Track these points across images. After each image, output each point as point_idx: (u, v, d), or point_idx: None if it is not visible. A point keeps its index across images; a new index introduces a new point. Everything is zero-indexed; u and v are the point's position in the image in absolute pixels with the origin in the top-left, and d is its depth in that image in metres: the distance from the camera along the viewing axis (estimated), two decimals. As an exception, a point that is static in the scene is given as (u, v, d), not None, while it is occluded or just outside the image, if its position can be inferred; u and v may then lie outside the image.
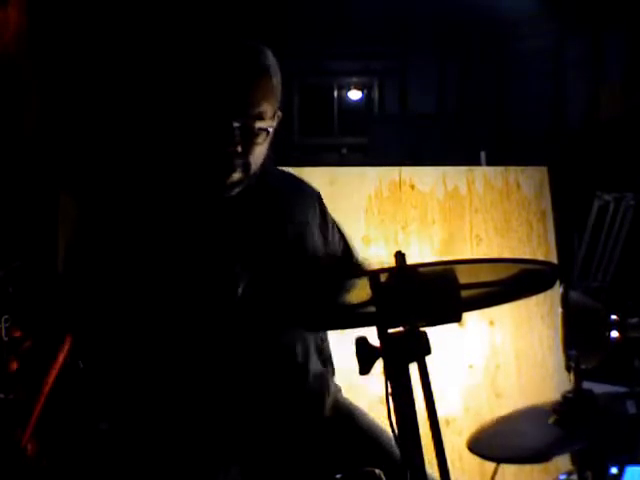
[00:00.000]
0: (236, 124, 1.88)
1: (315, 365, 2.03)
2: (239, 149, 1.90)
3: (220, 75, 1.90)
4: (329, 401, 2.05)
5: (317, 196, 2.18)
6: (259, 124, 1.91)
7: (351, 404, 2.11)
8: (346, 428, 2.04)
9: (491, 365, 3.09)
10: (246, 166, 1.93)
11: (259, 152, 1.95)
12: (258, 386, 1.94)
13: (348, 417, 2.07)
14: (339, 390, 2.13)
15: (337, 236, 2.20)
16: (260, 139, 1.93)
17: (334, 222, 2.20)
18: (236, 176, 1.93)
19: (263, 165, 2.01)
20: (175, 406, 1.92)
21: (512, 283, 1.61)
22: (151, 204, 1.97)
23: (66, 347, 2.38)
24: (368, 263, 2.12)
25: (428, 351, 1.54)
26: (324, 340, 2.12)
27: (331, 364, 2.13)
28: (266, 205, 2.04)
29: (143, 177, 2.03)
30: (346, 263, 2.19)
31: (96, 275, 1.94)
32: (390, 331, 1.55)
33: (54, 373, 2.37)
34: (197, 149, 1.95)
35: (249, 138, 1.91)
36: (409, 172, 3.12)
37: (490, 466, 2.46)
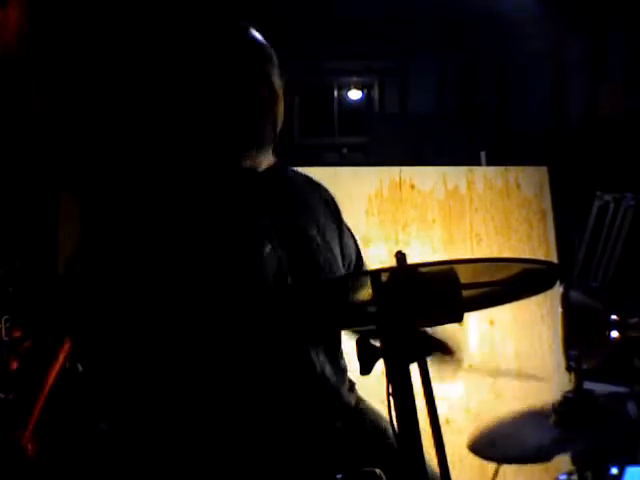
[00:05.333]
0: (260, 80, 1.98)
1: (330, 374, 2.01)
2: (265, 93, 1.98)
3: (236, 45, 2.00)
4: (342, 408, 2.03)
5: (334, 202, 2.21)
6: (277, 83, 2.01)
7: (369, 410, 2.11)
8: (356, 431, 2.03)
9: (491, 365, 3.09)
10: (274, 124, 2.00)
11: (280, 118, 2.03)
12: (264, 389, 1.92)
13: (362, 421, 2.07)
14: (355, 393, 2.11)
15: (351, 242, 2.22)
16: (279, 104, 2.01)
17: (348, 228, 2.22)
18: (267, 135, 1.99)
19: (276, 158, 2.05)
20: (175, 406, 1.92)
21: (513, 283, 1.61)
22: (164, 197, 1.96)
23: (67, 347, 2.37)
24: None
25: (429, 351, 1.54)
26: (338, 349, 2.09)
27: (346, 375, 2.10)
28: (291, 206, 2.06)
29: (152, 172, 2.03)
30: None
31: (104, 271, 1.93)
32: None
33: (54, 373, 2.37)
34: (229, 117, 1.99)
35: (271, 99, 2.00)
36: (409, 172, 3.12)
37: (490, 466, 2.46)
